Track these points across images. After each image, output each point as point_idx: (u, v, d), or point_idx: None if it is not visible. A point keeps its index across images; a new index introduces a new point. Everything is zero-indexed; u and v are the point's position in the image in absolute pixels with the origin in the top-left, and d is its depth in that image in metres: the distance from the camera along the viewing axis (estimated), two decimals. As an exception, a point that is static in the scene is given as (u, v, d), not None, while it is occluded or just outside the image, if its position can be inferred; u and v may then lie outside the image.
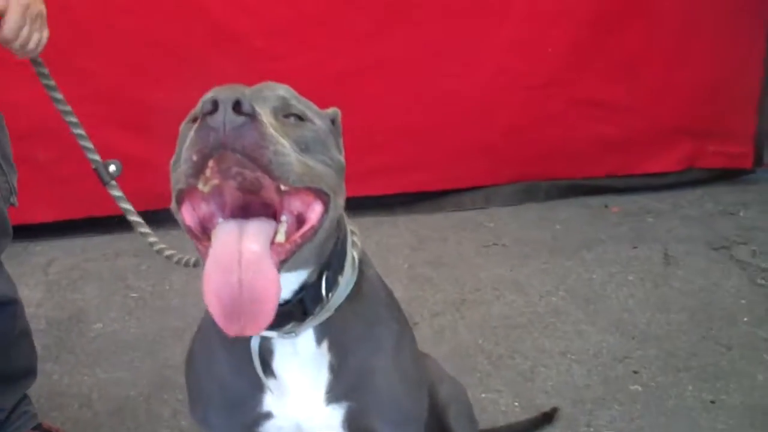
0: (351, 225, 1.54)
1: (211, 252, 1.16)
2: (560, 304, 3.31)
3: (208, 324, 1.55)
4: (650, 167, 4.49)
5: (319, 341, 1.48)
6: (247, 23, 4.08)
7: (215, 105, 1.08)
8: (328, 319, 1.46)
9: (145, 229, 1.92)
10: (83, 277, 3.81)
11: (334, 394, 1.51)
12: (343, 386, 1.51)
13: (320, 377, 1.50)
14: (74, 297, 3.61)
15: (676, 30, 4.30)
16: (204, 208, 1.25)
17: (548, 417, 2.58)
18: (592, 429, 2.55)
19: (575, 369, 2.87)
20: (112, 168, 1.90)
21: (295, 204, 1.25)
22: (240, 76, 4.05)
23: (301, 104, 1.35)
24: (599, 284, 3.47)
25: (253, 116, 1.10)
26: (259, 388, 1.51)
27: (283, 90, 1.34)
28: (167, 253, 1.84)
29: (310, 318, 1.43)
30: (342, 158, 1.40)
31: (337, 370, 1.50)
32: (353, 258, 1.49)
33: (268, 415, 1.53)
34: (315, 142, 1.30)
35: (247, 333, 1.14)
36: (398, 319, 1.61)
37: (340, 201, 1.35)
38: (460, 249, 3.93)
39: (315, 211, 1.27)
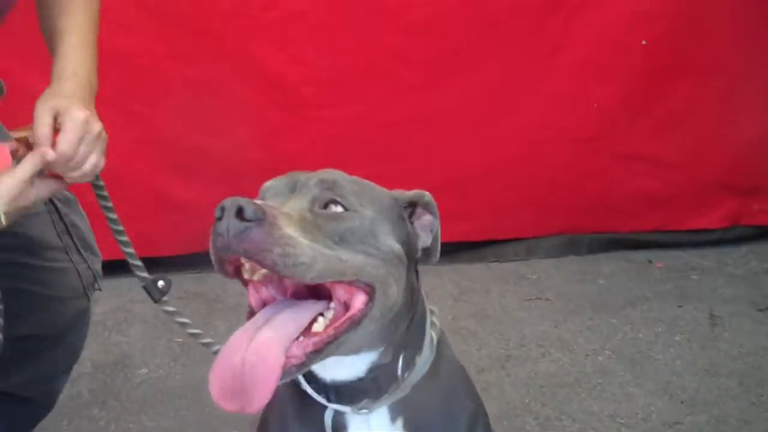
0: (430, 305, 1.55)
1: (231, 337, 1.23)
2: (607, 364, 3.29)
3: (280, 394, 1.55)
4: (694, 224, 4.46)
5: (393, 419, 1.49)
6: (296, 71, 4.13)
7: (222, 212, 1.17)
8: (403, 397, 1.47)
9: (206, 340, 1.96)
10: (128, 320, 3.83)
11: None
12: None
13: None
14: (119, 339, 3.63)
15: (723, 86, 4.29)
16: (264, 291, 1.32)
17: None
18: (643, 497, 2.53)
19: (625, 433, 2.85)
20: (161, 284, 1.92)
21: (340, 292, 1.30)
22: (289, 124, 4.13)
23: (350, 190, 1.36)
24: (645, 344, 3.44)
25: (260, 220, 1.16)
26: None
27: (330, 177, 1.36)
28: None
29: (385, 396, 1.45)
30: (395, 245, 1.37)
31: None
32: (432, 338, 1.50)
33: None
34: (355, 232, 1.31)
35: (245, 412, 1.17)
36: (473, 398, 1.61)
37: (393, 290, 1.35)
38: (503, 302, 3.92)
39: (358, 301, 1.31)
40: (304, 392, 1.49)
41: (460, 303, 3.95)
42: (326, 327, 1.27)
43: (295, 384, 1.50)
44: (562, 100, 4.25)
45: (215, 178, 3.91)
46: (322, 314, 1.29)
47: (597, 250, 4.44)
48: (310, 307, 1.29)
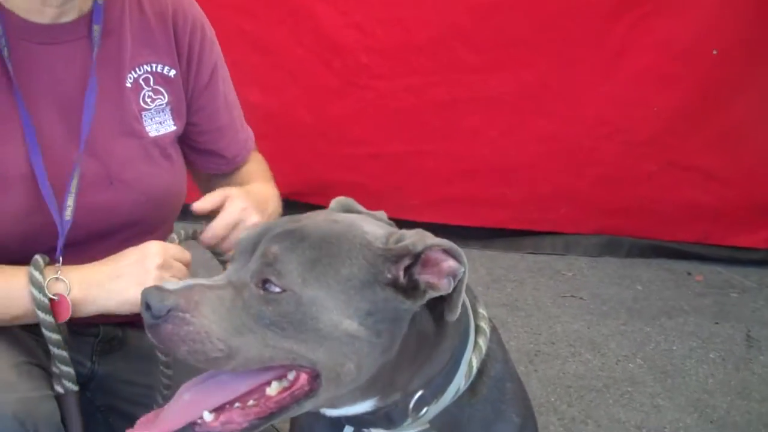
0: (483, 321, 1.45)
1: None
2: (637, 373, 3.23)
3: None
4: (738, 241, 4.36)
5: None
6: (355, 38, 4.06)
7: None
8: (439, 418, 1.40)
9: None
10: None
11: None
12: None
13: None
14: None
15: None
16: None
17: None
18: None
19: (650, 446, 2.79)
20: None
21: (283, 370, 1.27)
22: (341, 90, 4.09)
23: (297, 264, 1.22)
24: (679, 357, 3.37)
25: (168, 317, 1.18)
26: None
27: (279, 247, 1.23)
28: None
29: (400, 428, 1.38)
30: (346, 323, 1.22)
31: None
32: (471, 367, 1.39)
33: None
34: (287, 316, 1.20)
35: None
36: (521, 412, 1.51)
37: (348, 367, 1.24)
38: (537, 295, 3.86)
39: (300, 380, 1.26)
40: None
41: (492, 290, 3.90)
42: (278, 392, 1.26)
43: None
44: (620, 100, 4.16)
45: (261, 135, 3.87)
46: (282, 377, 1.26)
47: (636, 255, 4.36)
48: (265, 373, 1.26)
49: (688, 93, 4.13)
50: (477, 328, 1.42)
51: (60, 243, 1.68)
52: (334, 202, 1.52)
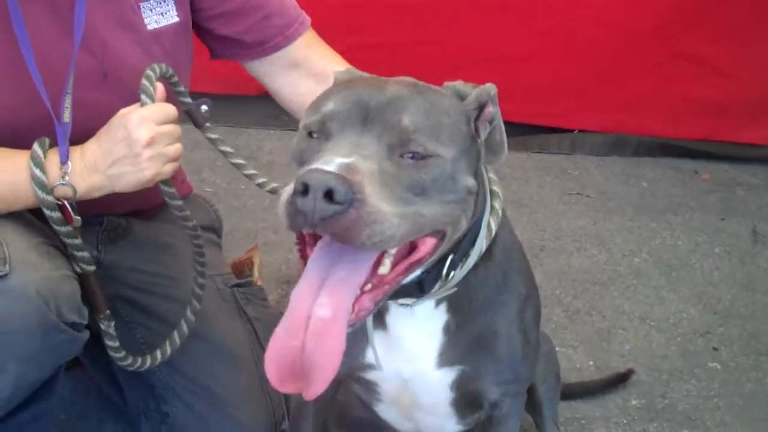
0: (495, 185, 1.47)
1: (287, 311, 1.19)
2: (642, 267, 3.23)
3: None
4: (745, 137, 4.30)
5: (438, 303, 1.45)
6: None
7: (306, 188, 1.07)
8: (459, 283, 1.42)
9: (250, 171, 1.89)
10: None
11: (447, 358, 1.49)
12: (459, 350, 1.49)
13: (434, 339, 1.47)
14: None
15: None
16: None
17: (623, 378, 2.54)
18: (666, 401, 2.51)
19: (654, 336, 2.81)
20: (204, 108, 1.83)
21: None
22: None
23: (428, 129, 1.22)
24: (684, 252, 3.37)
25: (351, 202, 1.08)
26: (365, 338, 1.48)
27: (408, 116, 1.22)
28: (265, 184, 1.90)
29: (428, 294, 1.40)
30: (470, 181, 1.28)
31: (454, 333, 1.47)
32: (490, 230, 1.42)
33: (371, 366, 1.50)
34: (437, 180, 1.21)
35: (304, 395, 1.15)
36: (526, 284, 1.57)
37: (462, 224, 1.30)
38: (542, 193, 3.84)
39: (427, 245, 1.25)
40: None
41: (498, 189, 3.88)
42: (392, 267, 1.22)
43: None
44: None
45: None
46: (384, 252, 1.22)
47: (643, 154, 4.31)
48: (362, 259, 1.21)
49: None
50: (492, 192, 1.45)
51: (63, 149, 1.64)
52: (339, 74, 1.49)
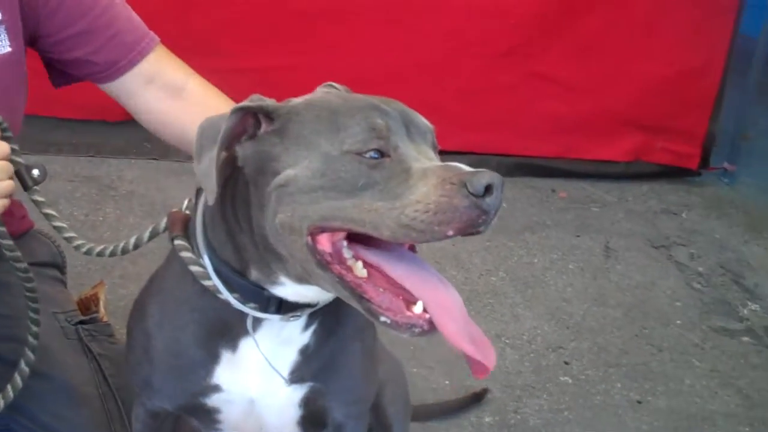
0: None
1: (437, 307, 1.21)
2: (499, 285, 3.31)
3: (176, 288, 1.48)
4: (599, 154, 4.47)
5: (307, 326, 1.47)
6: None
7: (491, 189, 1.16)
8: (327, 305, 1.44)
9: (69, 234, 1.82)
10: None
11: (299, 375, 1.49)
12: (312, 368, 1.50)
13: (287, 358, 1.47)
14: (3, 217, 3.48)
15: (641, 20, 4.28)
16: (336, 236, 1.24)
17: (478, 398, 2.58)
18: (519, 416, 2.57)
19: (508, 353, 2.87)
20: (35, 172, 1.77)
21: None
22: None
23: None
24: (540, 269, 3.47)
25: None
26: (213, 360, 1.46)
27: (425, 119, 1.33)
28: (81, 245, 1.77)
29: (318, 306, 1.42)
30: None
31: (312, 352, 1.48)
32: None
33: (216, 388, 1.49)
34: None
35: (493, 364, 1.23)
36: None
37: None
38: (405, 215, 3.88)
39: None
40: (204, 296, 1.43)
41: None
42: None
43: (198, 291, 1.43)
44: (478, 11, 4.15)
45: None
46: None
47: (503, 174, 4.33)
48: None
49: (544, 3, 4.18)
50: None
51: None
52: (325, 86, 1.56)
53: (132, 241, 1.63)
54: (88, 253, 1.73)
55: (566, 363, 2.86)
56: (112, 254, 1.67)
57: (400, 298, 1.21)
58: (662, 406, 2.69)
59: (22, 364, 1.80)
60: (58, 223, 1.77)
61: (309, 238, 1.22)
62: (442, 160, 1.23)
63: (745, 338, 3.14)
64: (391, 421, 2.06)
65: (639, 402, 2.70)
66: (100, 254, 1.70)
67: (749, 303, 3.40)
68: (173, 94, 1.96)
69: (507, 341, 2.94)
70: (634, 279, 3.47)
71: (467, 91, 4.29)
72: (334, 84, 1.55)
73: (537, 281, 3.37)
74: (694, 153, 4.54)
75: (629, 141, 4.49)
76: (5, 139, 1.68)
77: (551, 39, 4.25)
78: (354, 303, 1.23)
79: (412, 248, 1.31)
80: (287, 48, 4.15)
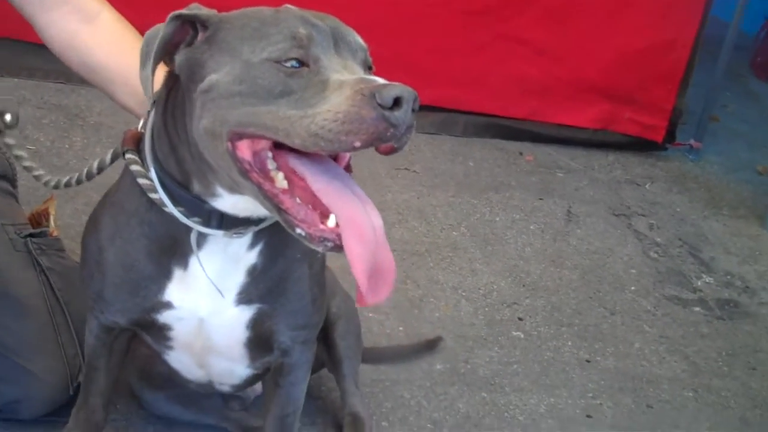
0: None
1: (347, 222, 1.20)
2: (460, 240, 3.33)
3: (126, 201, 1.49)
4: (567, 119, 4.47)
5: (253, 245, 1.47)
6: None
7: (400, 102, 1.12)
8: (270, 225, 1.44)
9: (38, 172, 1.82)
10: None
11: (246, 296, 1.50)
12: (259, 289, 1.51)
13: (235, 278, 1.48)
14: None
15: (617, -13, 4.32)
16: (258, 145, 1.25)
17: (431, 345, 2.59)
18: (469, 366, 2.60)
19: (463, 305, 2.90)
20: (8, 117, 1.75)
21: None
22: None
23: None
24: (501, 227, 3.49)
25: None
26: (165, 276, 1.47)
27: (360, 38, 1.33)
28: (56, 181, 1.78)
29: (264, 222, 1.43)
30: None
31: (259, 273, 1.49)
32: None
33: (168, 305, 1.49)
34: None
35: (381, 299, 1.22)
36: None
37: None
38: (371, 167, 3.87)
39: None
40: (151, 209, 1.44)
41: (328, 161, 3.90)
42: None
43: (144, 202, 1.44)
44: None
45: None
46: None
47: (471, 134, 4.42)
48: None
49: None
50: None
51: None
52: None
53: (95, 164, 1.64)
54: (56, 186, 1.75)
55: (520, 319, 2.89)
56: (78, 182, 1.68)
57: (317, 211, 1.22)
58: (610, 367, 2.73)
59: None
60: (27, 164, 1.82)
61: (229, 144, 1.23)
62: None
63: (697, 308, 3.20)
64: (342, 355, 2.08)
65: (587, 361, 2.74)
66: (67, 185, 1.72)
67: (704, 276, 3.45)
68: (85, 18, 1.89)
69: (463, 293, 2.96)
70: (593, 244, 3.51)
71: (439, 48, 4.27)
72: (290, 7, 1.53)
73: (497, 239, 3.39)
74: (661, 126, 4.57)
75: (597, 109, 4.51)
76: None
77: (526, 2, 4.25)
78: (274, 213, 1.25)
79: (348, 169, 1.30)
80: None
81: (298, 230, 1.21)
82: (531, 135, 4.45)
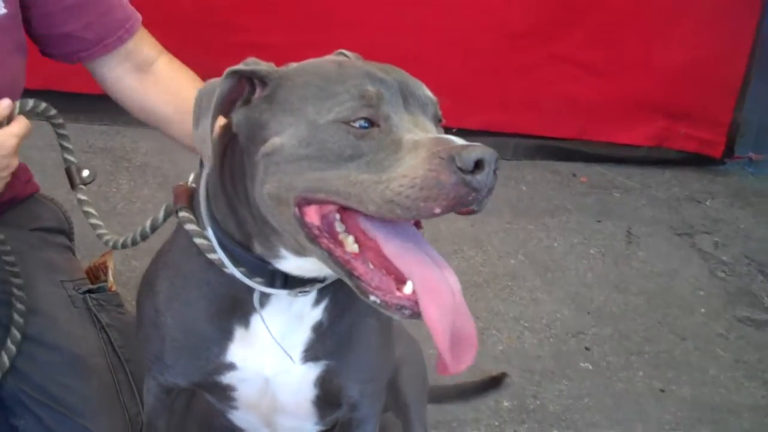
0: None
1: (425, 289, 1.11)
2: (518, 268, 3.22)
3: (182, 262, 1.42)
4: (621, 137, 4.38)
5: (318, 302, 1.40)
6: None
7: (482, 165, 1.04)
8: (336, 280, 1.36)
9: (101, 231, 1.77)
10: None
11: (313, 353, 1.42)
12: (326, 345, 1.43)
13: (301, 336, 1.41)
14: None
15: (665, 4, 4.21)
16: (326, 208, 1.17)
17: (496, 381, 2.49)
18: (538, 401, 2.49)
19: (527, 337, 2.79)
20: (85, 173, 1.78)
21: None
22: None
23: None
24: (560, 253, 3.38)
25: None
26: (226, 337, 1.40)
27: (428, 90, 1.25)
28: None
29: (327, 279, 1.36)
30: None
31: (325, 329, 1.42)
32: None
33: (231, 366, 1.42)
34: None
35: (463, 368, 1.13)
36: None
37: None
38: (422, 196, 3.80)
39: None
40: (209, 269, 1.36)
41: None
42: None
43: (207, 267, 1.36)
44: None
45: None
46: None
47: (522, 157, 4.32)
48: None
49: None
50: None
51: None
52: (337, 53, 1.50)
53: (148, 224, 1.58)
54: (114, 246, 1.70)
55: (587, 349, 2.78)
56: (134, 243, 1.63)
57: (392, 277, 1.13)
58: (686, 396, 2.61)
59: (13, 329, 1.79)
60: (94, 221, 1.77)
61: (296, 210, 1.15)
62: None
63: (771, 329, 3.06)
64: (408, 401, 1.99)
65: (662, 391, 2.62)
66: (124, 245, 1.66)
67: (775, 294, 3.32)
68: (142, 69, 1.95)
69: (525, 324, 2.85)
70: (656, 266, 3.38)
71: (487, 71, 4.20)
72: (344, 51, 1.46)
73: (557, 265, 3.28)
74: (719, 141, 4.46)
75: (651, 126, 4.40)
76: (56, 126, 1.80)
77: (574, 21, 4.17)
78: (345, 279, 1.16)
79: (417, 224, 1.21)
80: (306, 24, 4.07)
81: (373, 297, 1.12)
82: (583, 155, 4.34)
